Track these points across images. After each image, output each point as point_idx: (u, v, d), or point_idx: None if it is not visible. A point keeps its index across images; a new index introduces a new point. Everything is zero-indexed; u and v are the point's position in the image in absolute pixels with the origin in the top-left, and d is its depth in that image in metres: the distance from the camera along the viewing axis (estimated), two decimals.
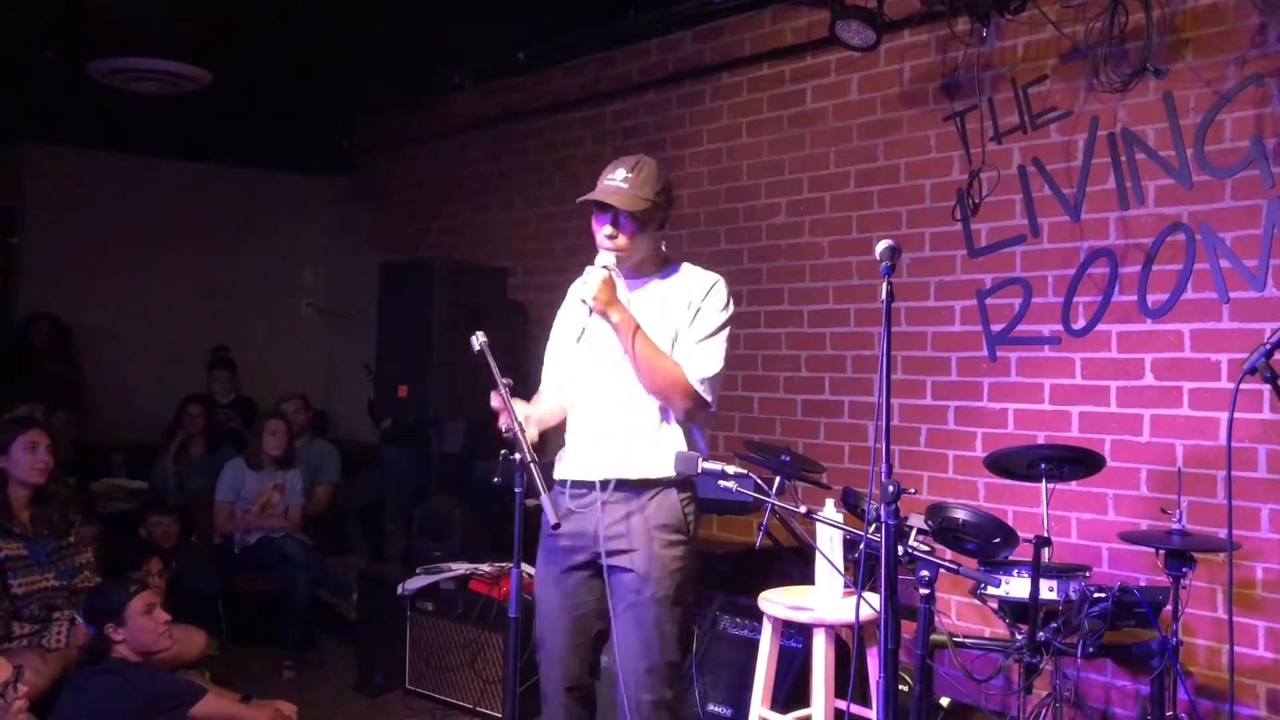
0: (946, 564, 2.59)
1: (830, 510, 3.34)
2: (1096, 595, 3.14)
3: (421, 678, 4.73)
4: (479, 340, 2.88)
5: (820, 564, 3.46)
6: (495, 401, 2.81)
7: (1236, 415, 3.28)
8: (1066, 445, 3.71)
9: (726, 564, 4.62)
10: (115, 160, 7.77)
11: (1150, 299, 3.87)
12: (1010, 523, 3.42)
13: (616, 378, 2.95)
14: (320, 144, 7.74)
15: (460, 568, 4.75)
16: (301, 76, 6.33)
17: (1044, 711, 3.38)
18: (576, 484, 2.99)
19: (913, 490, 2.54)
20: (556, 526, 2.67)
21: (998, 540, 3.20)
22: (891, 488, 2.38)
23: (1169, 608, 3.18)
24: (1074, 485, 3.86)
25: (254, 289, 8.27)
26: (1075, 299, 4.06)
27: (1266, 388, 3.46)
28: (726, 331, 3.00)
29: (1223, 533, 3.34)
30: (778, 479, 3.90)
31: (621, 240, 2.93)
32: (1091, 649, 3.12)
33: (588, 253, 3.02)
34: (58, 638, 3.99)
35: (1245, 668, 3.60)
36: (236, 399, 7.31)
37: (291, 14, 5.31)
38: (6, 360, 7.21)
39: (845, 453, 4.76)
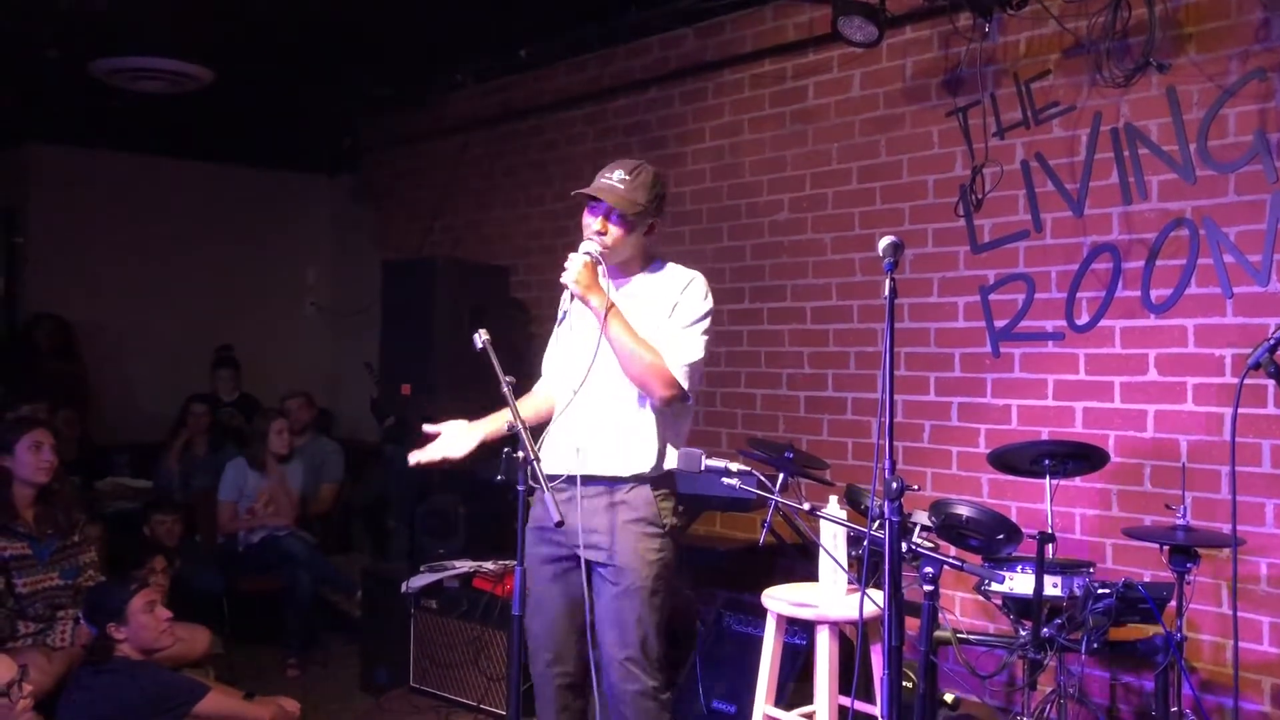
0: (950, 560, 2.59)
1: (834, 507, 3.33)
2: (1101, 591, 3.13)
3: (425, 675, 4.73)
4: (481, 338, 2.90)
5: (824, 561, 3.46)
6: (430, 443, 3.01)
7: (1240, 410, 3.28)
8: (1070, 441, 3.71)
9: (730, 561, 4.62)
10: (119, 160, 7.79)
11: (1154, 294, 3.86)
12: (1014, 519, 3.41)
13: (595, 370, 2.96)
14: (323, 143, 7.75)
15: (464, 565, 4.75)
16: (304, 75, 6.33)
17: (1048, 708, 3.38)
18: (553, 478, 2.97)
19: (916, 487, 2.53)
20: (559, 524, 2.68)
21: (1001, 536, 3.19)
22: (895, 484, 2.38)
23: (1173, 603, 3.17)
24: (1078, 481, 3.85)
25: (257, 288, 8.28)
26: (1079, 294, 4.05)
27: (1270, 382, 3.48)
28: (705, 324, 3.05)
29: (1227, 528, 3.33)
30: (781, 476, 3.90)
31: (608, 237, 2.98)
32: (1096, 645, 3.11)
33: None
34: (62, 637, 4.00)
35: (1250, 663, 3.59)
36: (240, 398, 7.32)
37: (294, 13, 5.31)
38: (11, 360, 7.22)
39: (848, 449, 4.76)
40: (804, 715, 3.41)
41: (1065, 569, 3.24)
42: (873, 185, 4.70)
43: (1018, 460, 3.51)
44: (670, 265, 3.16)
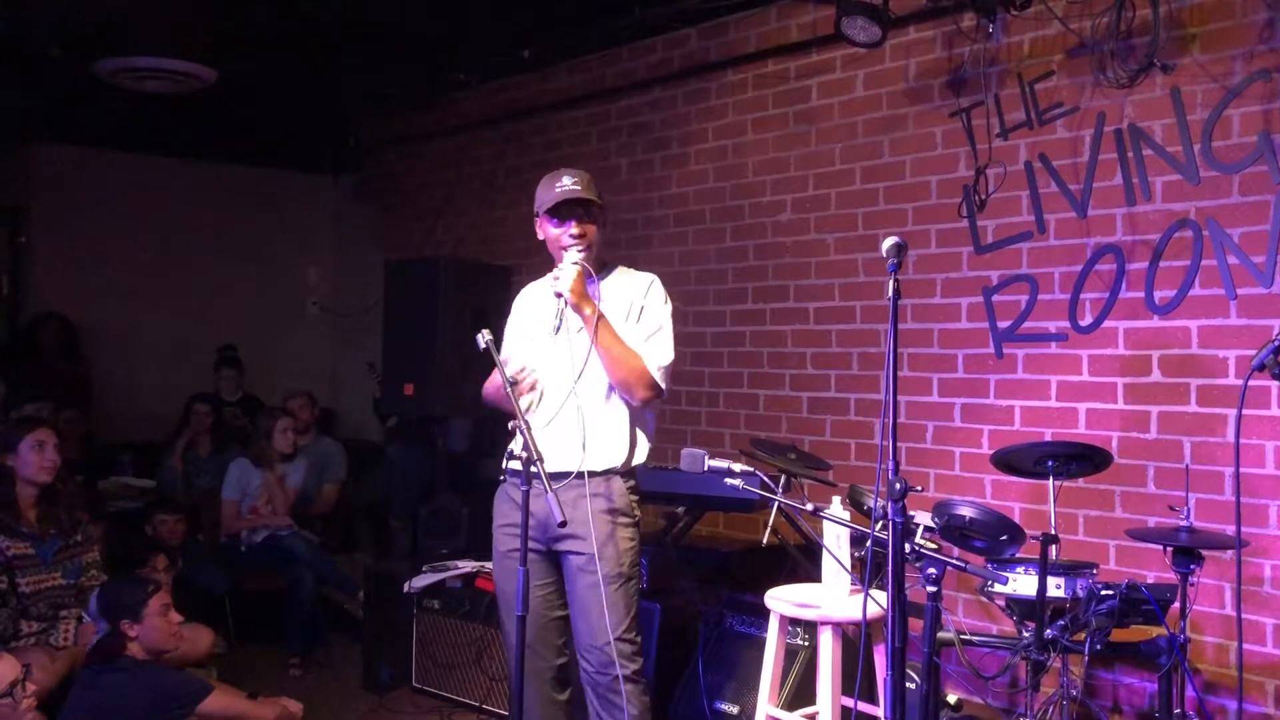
0: (953, 561, 2.59)
1: (837, 508, 3.33)
2: (1104, 592, 3.13)
3: (428, 675, 4.73)
4: (484, 338, 2.93)
5: (827, 561, 3.46)
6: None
7: (1244, 412, 3.27)
8: (1073, 442, 3.70)
9: (733, 562, 4.62)
10: (122, 159, 7.79)
11: (1157, 295, 3.85)
12: (1017, 520, 3.41)
13: (568, 371, 3.10)
14: (326, 142, 7.75)
15: (466, 565, 4.75)
16: (307, 75, 6.33)
17: (1051, 709, 3.37)
18: (518, 474, 3.03)
19: (919, 488, 2.54)
20: (563, 524, 2.70)
21: (1004, 537, 3.19)
22: (898, 485, 2.38)
23: (1177, 605, 3.17)
24: (1081, 482, 3.85)
25: (260, 288, 8.28)
26: (1082, 295, 4.04)
27: (1274, 384, 3.48)
28: (671, 323, 3.21)
29: (1231, 530, 3.33)
30: (784, 477, 3.91)
31: (588, 238, 3.14)
32: (1099, 646, 3.11)
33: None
34: (65, 636, 4.00)
35: (1253, 665, 3.59)
36: (244, 398, 7.33)
37: (297, 13, 5.31)
38: (15, 359, 7.23)
39: (851, 450, 4.75)
40: (807, 716, 3.41)
41: (1068, 570, 3.24)
42: (876, 186, 4.69)
43: (1021, 461, 3.50)
44: (625, 270, 3.31)
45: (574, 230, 3.13)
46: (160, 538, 5.54)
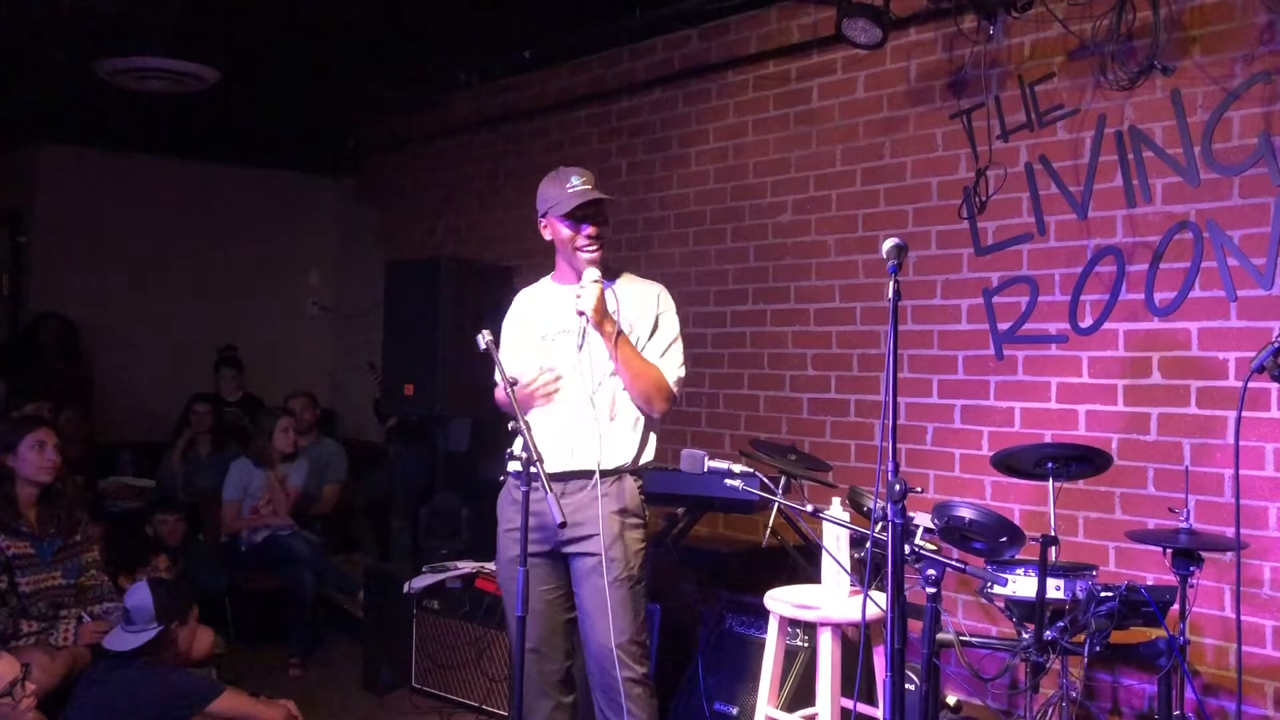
0: (953, 563, 2.59)
1: (836, 509, 3.33)
2: (1103, 594, 3.12)
3: (427, 676, 4.73)
4: (484, 339, 2.93)
5: (826, 563, 3.46)
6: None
7: (1244, 414, 3.27)
8: (1073, 444, 3.70)
9: (733, 563, 4.62)
10: (123, 160, 7.80)
11: (1158, 297, 3.86)
12: (1017, 521, 3.41)
13: (580, 376, 3.12)
14: (327, 143, 7.76)
15: (466, 566, 4.75)
16: (308, 76, 6.34)
17: (1051, 711, 3.37)
18: (520, 475, 3.04)
19: (919, 489, 2.55)
20: (563, 525, 2.71)
21: (1004, 539, 3.19)
22: (898, 486, 2.38)
23: (1176, 607, 3.17)
24: (1081, 484, 3.85)
25: (261, 288, 8.29)
26: (1082, 297, 4.04)
27: (1274, 386, 3.48)
28: (679, 335, 3.29)
29: (1230, 531, 3.33)
30: (784, 478, 3.91)
31: (607, 234, 3.17)
32: (1099, 648, 3.11)
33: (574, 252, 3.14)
34: (65, 636, 4.00)
35: (1253, 667, 3.59)
36: (244, 398, 7.33)
37: (298, 13, 5.32)
38: (15, 359, 7.23)
39: (852, 451, 4.75)
40: (806, 717, 3.41)
41: (1068, 572, 3.24)
42: (876, 187, 4.69)
43: (1021, 463, 3.50)
44: (626, 274, 3.32)
45: (590, 232, 3.13)
46: (160, 537, 5.55)
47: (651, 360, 3.17)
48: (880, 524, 2.48)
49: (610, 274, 3.25)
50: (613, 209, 3.26)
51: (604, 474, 3.11)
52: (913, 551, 2.61)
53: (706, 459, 2.99)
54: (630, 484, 3.16)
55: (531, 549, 3.06)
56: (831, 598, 3.40)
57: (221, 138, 7.55)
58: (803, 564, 4.07)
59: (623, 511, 3.12)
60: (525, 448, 2.77)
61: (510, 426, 2.86)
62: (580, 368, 3.14)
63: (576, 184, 3.11)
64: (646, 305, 3.22)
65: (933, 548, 2.75)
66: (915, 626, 2.69)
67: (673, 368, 3.19)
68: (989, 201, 4.27)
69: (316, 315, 8.54)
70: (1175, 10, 3.77)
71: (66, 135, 7.55)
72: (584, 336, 3.09)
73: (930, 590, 2.53)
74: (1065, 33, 4.03)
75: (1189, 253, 3.78)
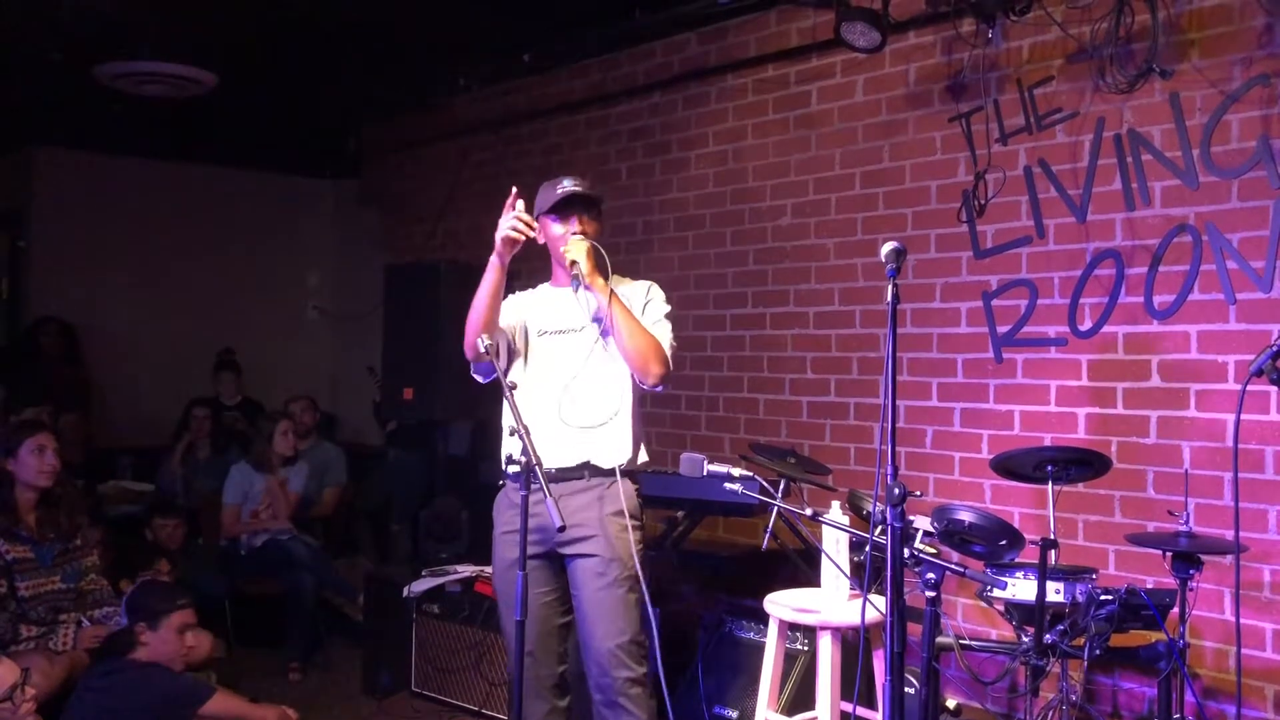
0: (952, 566, 2.59)
1: (836, 512, 3.33)
2: (1103, 597, 3.12)
3: (427, 680, 4.73)
4: (484, 342, 2.93)
5: (826, 566, 3.46)
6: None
7: (1243, 417, 3.27)
8: (1073, 447, 3.70)
9: (732, 566, 4.62)
10: (122, 163, 7.81)
11: (1157, 300, 3.86)
12: (1016, 525, 3.41)
13: (574, 364, 3.14)
14: (326, 146, 7.76)
15: (466, 570, 4.75)
16: (307, 79, 6.34)
17: (1050, 714, 3.37)
18: (518, 478, 3.05)
19: (918, 492, 2.54)
20: (562, 529, 2.70)
21: (1004, 542, 3.19)
22: (897, 490, 2.38)
23: (1176, 610, 3.17)
24: (1080, 487, 3.85)
25: (260, 291, 8.29)
26: (1081, 300, 4.05)
27: (1273, 389, 3.48)
28: (668, 318, 3.25)
29: (1230, 535, 3.33)
30: (783, 481, 3.91)
31: (591, 234, 3.16)
32: (1098, 651, 3.11)
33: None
34: (64, 640, 4.00)
35: (1253, 670, 3.58)
36: (243, 401, 7.33)
37: (297, 17, 5.32)
38: (15, 363, 7.23)
39: (851, 455, 4.75)
40: None
41: (1068, 575, 3.24)
42: (875, 190, 4.70)
43: (1020, 466, 3.50)
44: (616, 276, 3.27)
45: (576, 229, 3.15)
46: (160, 541, 5.54)
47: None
48: (880, 527, 2.48)
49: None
50: (607, 214, 3.27)
51: (602, 474, 3.11)
52: (912, 555, 2.61)
53: (706, 462, 2.99)
54: (628, 485, 3.15)
55: (529, 551, 3.07)
56: (831, 601, 3.40)
57: (221, 141, 7.56)
58: (802, 567, 4.06)
59: (621, 513, 3.11)
60: (524, 451, 2.76)
61: (509, 430, 2.86)
62: (569, 353, 3.17)
63: (567, 185, 3.17)
64: (636, 297, 3.23)
65: (932, 551, 2.74)
66: (915, 630, 2.69)
67: (663, 336, 3.17)
68: (988, 205, 4.28)
69: (316, 318, 8.55)
70: (1174, 14, 3.77)
71: (66, 139, 7.55)
72: (578, 285, 3.08)
73: (930, 594, 2.53)
74: (1064, 36, 4.03)
75: (1188, 256, 3.78)
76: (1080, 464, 3.43)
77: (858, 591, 3.35)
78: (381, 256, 7.29)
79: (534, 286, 3.44)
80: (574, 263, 3.06)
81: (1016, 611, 3.32)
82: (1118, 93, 3.88)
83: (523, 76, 6.24)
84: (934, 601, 2.53)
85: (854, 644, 3.53)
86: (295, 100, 6.75)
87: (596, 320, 3.17)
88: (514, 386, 2.91)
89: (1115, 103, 3.94)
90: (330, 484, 6.33)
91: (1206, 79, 3.74)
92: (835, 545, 3.38)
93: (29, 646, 3.91)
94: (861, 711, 3.39)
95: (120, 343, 7.69)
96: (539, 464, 2.74)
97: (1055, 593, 3.17)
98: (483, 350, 2.98)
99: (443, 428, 5.34)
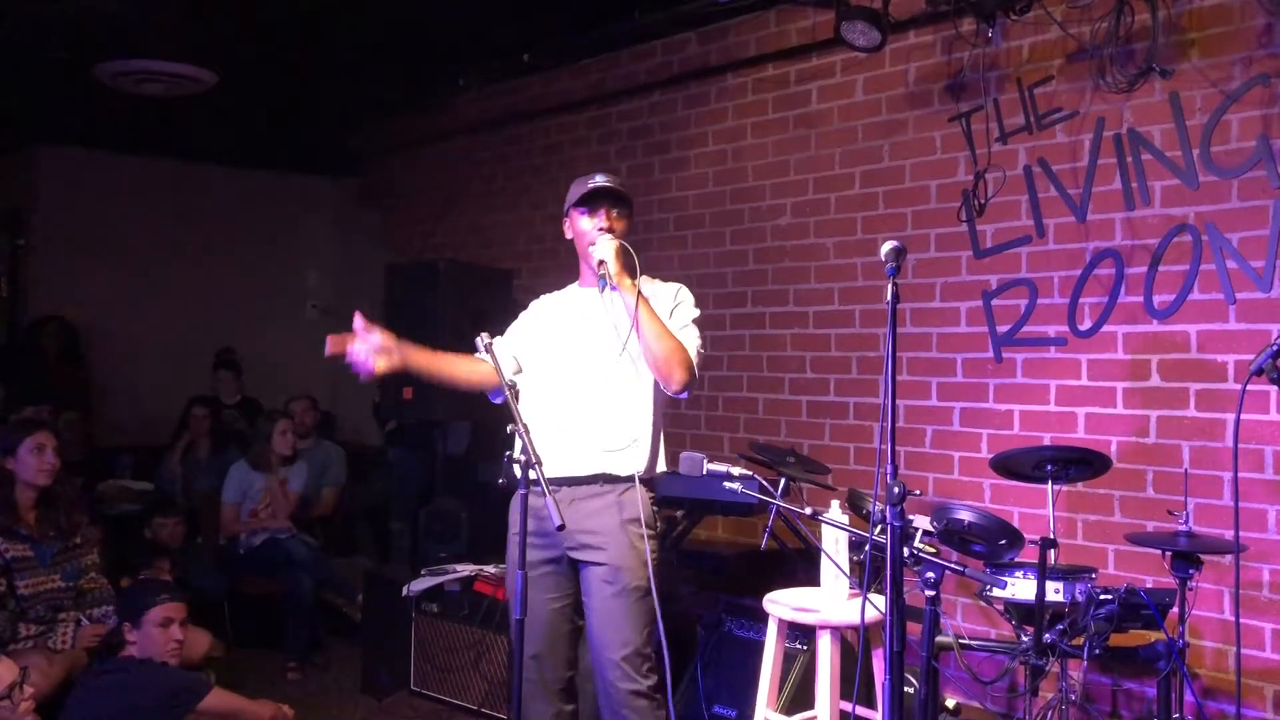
0: (952, 566, 2.59)
1: (835, 512, 3.33)
2: (1103, 597, 3.13)
3: (426, 679, 4.73)
4: (483, 342, 2.93)
5: (825, 566, 3.46)
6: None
7: (1243, 416, 3.27)
8: (1072, 446, 3.70)
9: (731, 565, 4.62)
10: (123, 162, 7.80)
11: (1156, 300, 3.86)
12: (1016, 524, 3.41)
13: (596, 377, 3.08)
14: (326, 145, 7.76)
15: (465, 569, 4.75)
16: (308, 78, 6.34)
17: (1050, 714, 3.37)
18: (550, 480, 3.03)
19: (918, 492, 2.54)
20: (561, 528, 2.69)
21: (1003, 542, 3.19)
22: (897, 489, 2.38)
23: (1175, 610, 3.17)
24: (1080, 486, 3.85)
25: (260, 290, 8.29)
26: (1081, 300, 4.05)
27: (1273, 389, 3.48)
28: (697, 323, 3.17)
29: (1229, 534, 3.33)
30: (783, 480, 3.91)
31: (618, 230, 3.09)
32: (1098, 651, 3.11)
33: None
34: (63, 639, 4.00)
35: (1252, 670, 3.59)
36: (242, 400, 7.33)
37: (297, 16, 5.32)
38: (15, 362, 7.23)
39: (850, 454, 4.75)
40: None
41: (1067, 574, 3.24)
42: (875, 190, 4.70)
43: (1020, 465, 3.50)
44: (645, 276, 3.24)
45: (603, 223, 3.07)
46: (159, 540, 5.54)
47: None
48: (879, 526, 2.48)
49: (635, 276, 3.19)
50: (635, 212, 3.18)
51: (617, 481, 3.06)
52: (912, 554, 2.61)
53: (705, 461, 2.98)
54: (644, 493, 3.08)
55: (543, 555, 3.06)
56: (830, 600, 3.40)
57: (221, 140, 7.56)
58: (802, 567, 4.06)
59: (635, 521, 3.04)
60: (524, 451, 2.76)
61: (509, 429, 2.85)
62: (565, 365, 3.12)
63: (599, 179, 3.11)
64: (665, 300, 3.17)
65: (932, 550, 2.74)
66: (914, 629, 2.68)
67: (689, 342, 3.08)
68: (988, 204, 4.28)
69: (316, 318, 8.54)
70: (1174, 13, 3.78)
71: (66, 137, 7.55)
72: (605, 284, 3.02)
73: (929, 593, 2.53)
74: (1064, 36, 4.03)
75: (1188, 255, 3.78)
76: (1080, 463, 3.43)
77: (857, 591, 3.34)
78: (382, 256, 7.28)
79: (561, 288, 3.37)
80: (601, 262, 3.00)
81: (1016, 611, 3.33)
82: (1118, 92, 3.88)
83: (523, 76, 6.24)
84: (933, 601, 2.53)
85: (853, 643, 3.53)
86: (295, 99, 6.75)
87: (620, 328, 3.06)
88: (513, 386, 2.90)
89: (1115, 102, 3.95)
90: (330, 483, 6.33)
91: (1206, 78, 3.74)
92: (835, 544, 3.38)
93: (28, 645, 3.91)
94: (861, 711, 3.38)
95: (120, 342, 7.69)
96: (539, 463, 2.73)
97: (1055, 592, 3.17)
98: (481, 351, 2.95)
99: (442, 427, 5.34)
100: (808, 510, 3.03)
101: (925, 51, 4.52)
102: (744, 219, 5.23)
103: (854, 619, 3.20)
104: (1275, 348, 2.66)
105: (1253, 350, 3.47)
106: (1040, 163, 4.17)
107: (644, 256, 5.41)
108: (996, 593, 3.28)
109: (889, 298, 2.47)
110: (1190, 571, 3.14)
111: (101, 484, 6.54)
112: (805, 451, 4.64)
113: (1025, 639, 3.21)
